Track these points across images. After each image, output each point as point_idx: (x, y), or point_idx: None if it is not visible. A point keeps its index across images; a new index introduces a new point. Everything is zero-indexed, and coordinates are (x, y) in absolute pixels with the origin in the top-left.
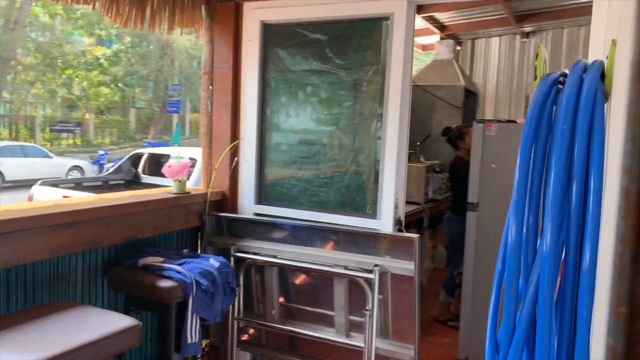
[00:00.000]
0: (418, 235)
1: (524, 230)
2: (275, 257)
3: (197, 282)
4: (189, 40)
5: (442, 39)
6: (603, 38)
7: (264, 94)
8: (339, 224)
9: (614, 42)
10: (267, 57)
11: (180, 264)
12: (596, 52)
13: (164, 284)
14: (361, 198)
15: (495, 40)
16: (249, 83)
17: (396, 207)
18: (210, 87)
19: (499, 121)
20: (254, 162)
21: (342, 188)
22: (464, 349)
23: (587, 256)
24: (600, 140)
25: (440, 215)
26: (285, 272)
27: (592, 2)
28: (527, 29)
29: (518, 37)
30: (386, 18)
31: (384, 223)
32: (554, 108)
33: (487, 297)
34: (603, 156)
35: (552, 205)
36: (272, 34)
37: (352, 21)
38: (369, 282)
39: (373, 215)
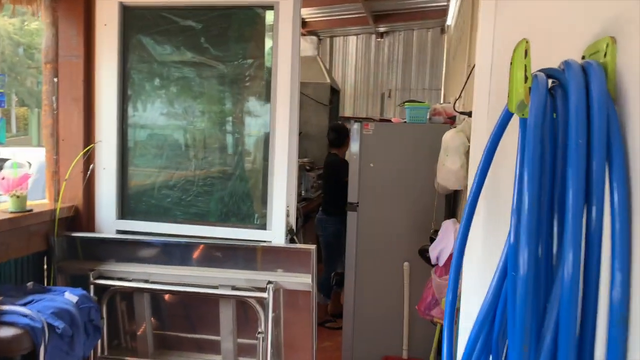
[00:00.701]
0: (315, 246)
1: (538, 262)
2: (146, 281)
3: (50, 326)
4: (12, 25)
5: (303, 35)
6: (491, 38)
7: (125, 88)
8: (223, 237)
9: (613, 40)
10: (128, 45)
11: (25, 304)
12: (485, 51)
13: (4, 332)
14: (248, 207)
15: (352, 39)
16: (106, 75)
17: (287, 215)
18: (55, 79)
19: (375, 120)
20: (114, 169)
21: (224, 196)
22: (348, 349)
23: (616, 291)
24: (620, 152)
25: (310, 214)
26: (159, 297)
27: (438, 6)
28: (382, 29)
29: (374, 36)
30: (270, 7)
31: (275, 234)
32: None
33: (370, 296)
34: (626, 169)
35: (573, 229)
36: (134, 18)
37: (230, 8)
38: (262, 302)
39: (262, 225)
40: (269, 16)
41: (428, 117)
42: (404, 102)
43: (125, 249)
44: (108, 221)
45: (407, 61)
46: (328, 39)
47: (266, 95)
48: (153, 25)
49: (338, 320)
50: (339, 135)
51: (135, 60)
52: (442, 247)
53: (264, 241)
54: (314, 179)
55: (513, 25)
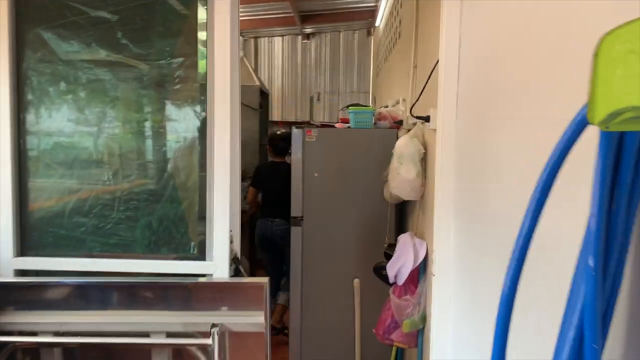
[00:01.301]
0: (267, 278)
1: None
2: (56, 333)
3: None
4: None
5: None
6: (457, 38)
7: (20, 92)
8: (152, 273)
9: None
10: (23, 41)
11: None
12: (450, 52)
13: None
14: (182, 233)
15: (278, 40)
16: None
17: (231, 241)
18: None
19: (317, 125)
20: (8, 193)
21: (153, 222)
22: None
23: None
24: None
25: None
26: (74, 352)
27: (365, 7)
28: (308, 30)
29: (299, 38)
30: None
31: (217, 265)
32: None
33: (318, 316)
34: None
35: None
36: (30, 8)
37: None
38: (205, 349)
39: (201, 255)
40: (202, 9)
41: (373, 121)
42: (347, 106)
43: (28, 294)
44: (3, 260)
45: (335, 64)
46: (252, 40)
47: (200, 99)
48: (56, 16)
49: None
50: (288, 145)
51: (34, 59)
52: (400, 265)
53: (204, 275)
54: (247, 188)
55: (485, 21)
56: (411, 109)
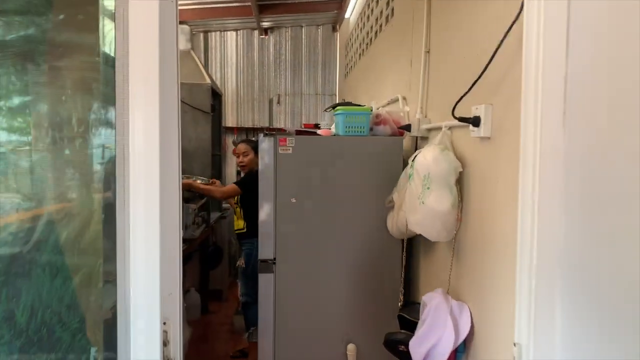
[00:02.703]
0: None
1: None
2: None
3: None
4: None
5: None
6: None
7: None
8: None
9: None
10: None
11: None
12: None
13: None
14: (74, 334)
15: (231, 35)
16: None
17: (165, 343)
18: None
19: (293, 134)
20: None
21: (18, 313)
22: None
23: None
24: None
25: (190, 258)
26: None
27: None
28: (266, 23)
29: (256, 33)
30: None
31: None
32: None
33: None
34: None
35: None
36: None
37: None
38: None
39: None
40: None
41: (369, 127)
42: (333, 106)
43: None
44: None
45: (297, 62)
46: (202, 34)
47: (104, 100)
48: None
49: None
50: (257, 154)
51: None
52: (434, 343)
53: None
54: (195, 211)
55: None
56: (454, 108)
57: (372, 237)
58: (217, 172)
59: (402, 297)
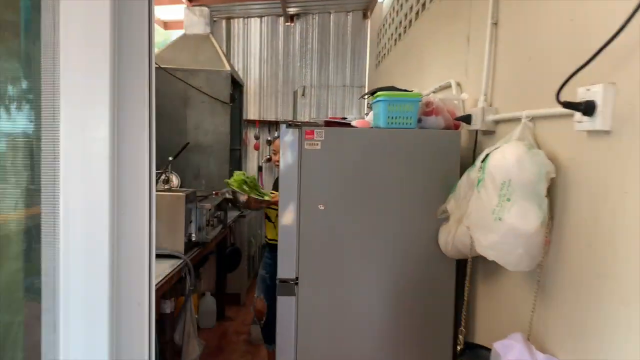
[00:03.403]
0: None
1: None
2: None
3: None
4: None
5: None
6: None
7: None
8: None
9: None
10: None
11: None
12: None
13: None
14: None
15: (255, 22)
16: None
17: None
18: None
19: (323, 125)
20: None
21: None
22: None
23: None
24: None
25: (202, 264)
26: None
27: None
28: (292, 9)
29: (281, 19)
30: None
31: None
32: None
33: None
34: None
35: None
36: None
37: None
38: None
39: None
40: None
41: (417, 118)
42: (373, 91)
43: None
44: None
45: (324, 52)
46: (224, 21)
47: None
48: None
49: None
50: None
51: None
52: None
53: None
54: (211, 211)
55: None
56: (559, 90)
57: (418, 256)
58: (236, 168)
59: (462, 339)
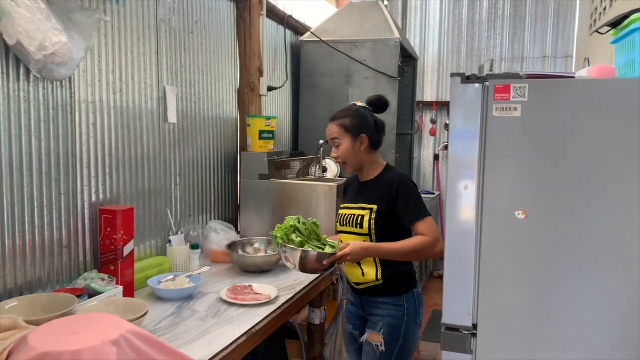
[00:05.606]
0: None
1: None
2: None
3: None
4: None
5: None
6: None
7: None
8: None
9: None
10: None
11: None
12: None
13: None
14: None
15: None
16: None
17: None
18: None
19: (525, 77)
20: None
21: None
22: None
23: None
24: None
25: None
26: None
27: None
28: None
29: None
30: None
31: None
32: None
33: None
34: None
35: None
36: None
37: None
38: None
39: None
40: None
41: None
42: (622, 17)
43: None
44: None
45: (518, 17)
46: None
47: None
48: None
49: None
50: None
51: None
52: None
53: None
54: None
55: None
56: None
57: None
58: (405, 156)
59: None
